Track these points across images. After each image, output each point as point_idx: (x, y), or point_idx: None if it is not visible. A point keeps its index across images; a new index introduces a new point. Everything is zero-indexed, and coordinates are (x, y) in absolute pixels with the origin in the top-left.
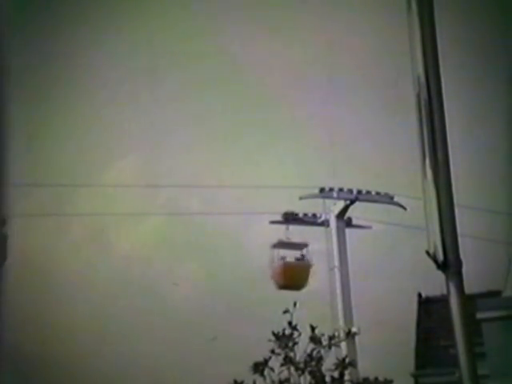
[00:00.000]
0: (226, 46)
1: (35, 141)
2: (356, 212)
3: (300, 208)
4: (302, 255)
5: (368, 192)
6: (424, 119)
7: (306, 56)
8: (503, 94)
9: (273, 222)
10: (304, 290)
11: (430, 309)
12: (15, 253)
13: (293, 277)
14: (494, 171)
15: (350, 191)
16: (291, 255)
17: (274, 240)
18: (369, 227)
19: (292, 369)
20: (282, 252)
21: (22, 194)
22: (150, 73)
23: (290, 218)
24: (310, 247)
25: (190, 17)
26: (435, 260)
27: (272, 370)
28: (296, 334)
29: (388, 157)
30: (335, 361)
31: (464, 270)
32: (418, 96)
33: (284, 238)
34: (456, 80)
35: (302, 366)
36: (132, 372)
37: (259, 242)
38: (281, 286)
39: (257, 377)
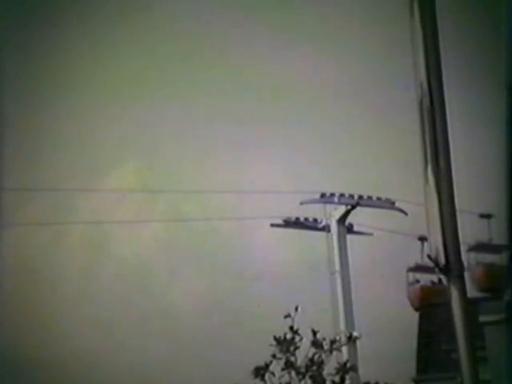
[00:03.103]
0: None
1: (33, 145)
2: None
3: (300, 213)
4: (440, 279)
5: (369, 197)
6: (426, 126)
7: None
8: (505, 99)
9: (273, 225)
10: (306, 295)
11: (431, 312)
12: (14, 260)
13: (429, 300)
14: (496, 175)
15: (351, 196)
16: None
17: (274, 246)
18: (370, 234)
19: (293, 373)
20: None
21: (21, 199)
22: (154, 75)
23: (291, 223)
24: None
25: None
26: (437, 264)
27: (273, 374)
28: (297, 338)
29: None
30: (336, 365)
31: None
32: (421, 103)
33: (421, 262)
34: (458, 85)
35: (303, 370)
36: (129, 377)
37: (260, 248)
38: (416, 308)
39: (257, 381)
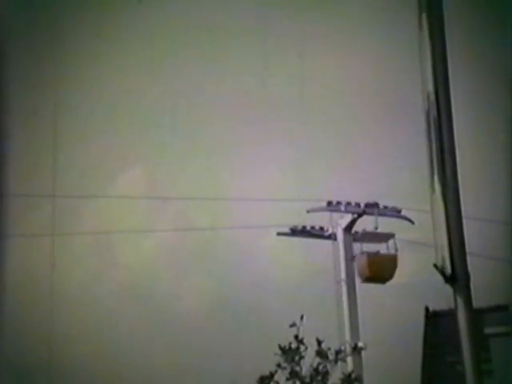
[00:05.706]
0: None
1: (37, 150)
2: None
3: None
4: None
5: (376, 205)
6: (433, 136)
7: None
8: (510, 107)
9: (280, 234)
10: (309, 303)
11: (437, 323)
12: (18, 271)
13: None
14: (502, 183)
15: (358, 205)
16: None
17: (280, 255)
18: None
19: (298, 383)
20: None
21: (24, 206)
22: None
23: (297, 231)
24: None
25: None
26: (443, 273)
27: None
28: (302, 347)
29: None
30: (341, 376)
31: (472, 283)
32: (428, 113)
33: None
34: (465, 94)
35: (307, 380)
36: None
37: (266, 256)
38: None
39: None
